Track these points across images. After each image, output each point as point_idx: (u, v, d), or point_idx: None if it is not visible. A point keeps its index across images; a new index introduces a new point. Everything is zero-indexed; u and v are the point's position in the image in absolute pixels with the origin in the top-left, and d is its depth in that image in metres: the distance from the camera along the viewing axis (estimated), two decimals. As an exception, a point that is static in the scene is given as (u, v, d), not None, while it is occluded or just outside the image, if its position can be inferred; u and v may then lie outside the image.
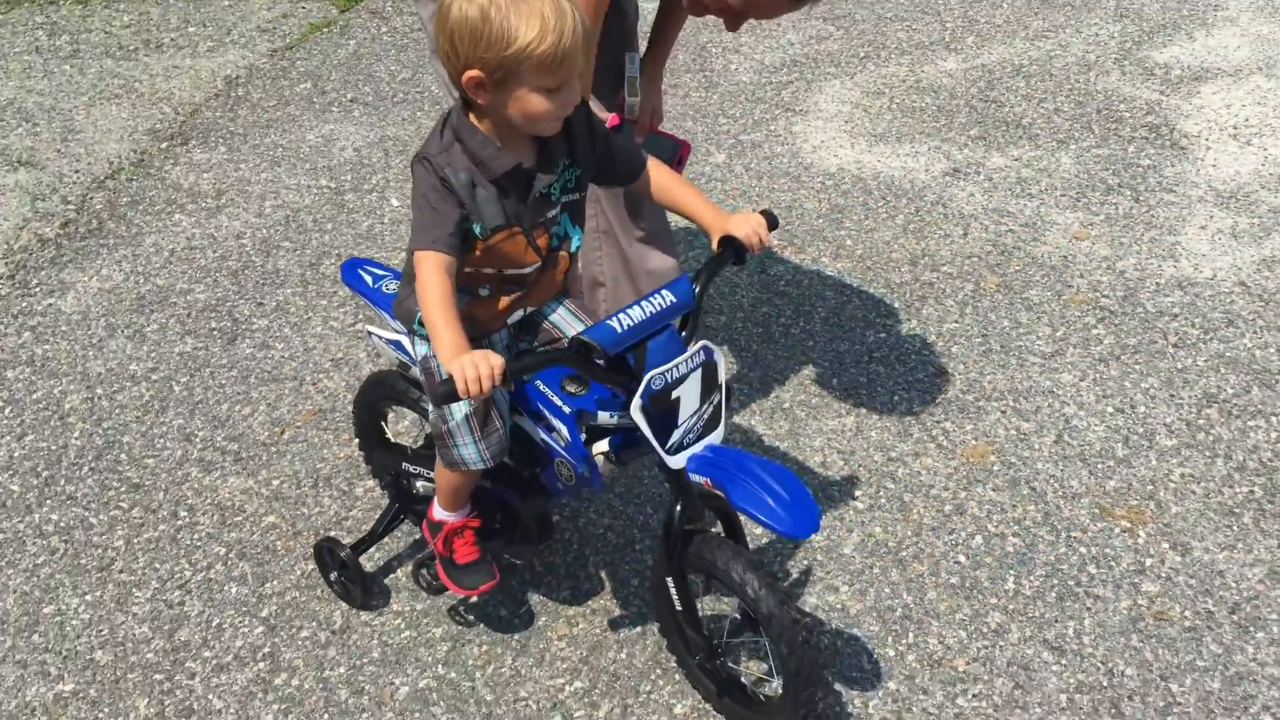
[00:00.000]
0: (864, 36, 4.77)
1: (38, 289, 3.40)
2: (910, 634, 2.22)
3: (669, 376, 1.81)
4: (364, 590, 2.31)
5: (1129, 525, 2.43)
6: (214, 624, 2.30)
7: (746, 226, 1.91)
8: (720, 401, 1.90)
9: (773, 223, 1.95)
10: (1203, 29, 4.64)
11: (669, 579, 1.99)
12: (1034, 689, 2.10)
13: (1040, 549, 2.39)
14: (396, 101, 4.47)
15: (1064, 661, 2.15)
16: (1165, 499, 2.49)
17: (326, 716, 2.11)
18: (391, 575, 2.41)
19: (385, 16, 5.28)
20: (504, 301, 1.97)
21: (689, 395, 1.84)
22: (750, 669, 2.10)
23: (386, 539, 2.43)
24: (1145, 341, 2.96)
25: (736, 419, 2.78)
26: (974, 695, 2.10)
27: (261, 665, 2.21)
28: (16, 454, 2.77)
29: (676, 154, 2.60)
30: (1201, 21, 4.71)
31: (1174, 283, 3.18)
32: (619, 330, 1.79)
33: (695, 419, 1.85)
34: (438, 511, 2.15)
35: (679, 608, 2.01)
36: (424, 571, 2.26)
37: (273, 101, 4.52)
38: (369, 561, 2.41)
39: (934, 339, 3.02)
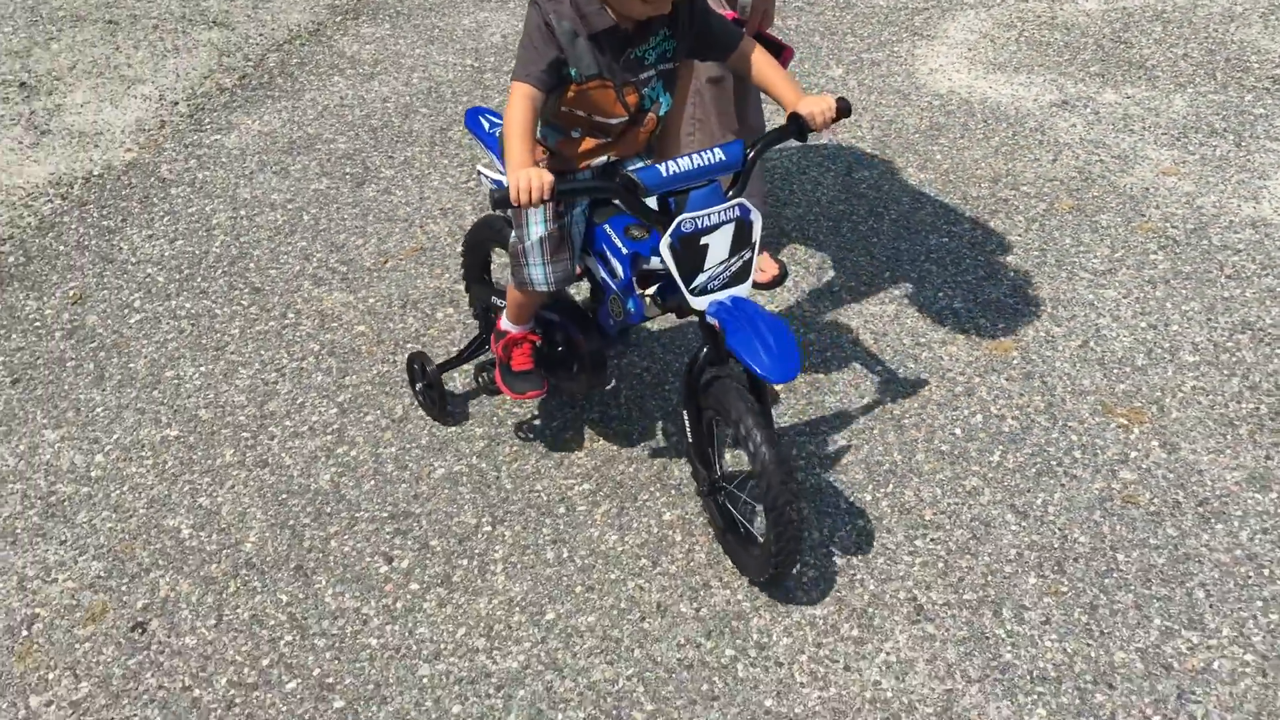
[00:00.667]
0: (1013, -27, 4.83)
1: (209, 126, 3.87)
2: (890, 485, 2.44)
3: (700, 223, 2.00)
4: (441, 403, 2.62)
5: (1125, 423, 2.57)
6: (298, 401, 2.70)
7: (814, 106, 2.08)
8: (751, 258, 2.07)
9: (844, 109, 2.09)
10: (1367, -10, 4.52)
11: (684, 411, 2.24)
12: (989, 542, 2.30)
13: (1034, 432, 2.56)
14: (550, -3, 4.80)
15: (1024, 524, 2.34)
16: (1169, 404, 2.61)
17: (372, 483, 2.48)
18: (471, 400, 2.76)
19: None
20: (589, 143, 2.19)
21: (718, 245, 2.02)
22: (745, 515, 2.33)
23: (468, 365, 2.77)
24: (1200, 270, 3.05)
25: (786, 294, 3.01)
26: (932, 539, 2.31)
27: (329, 437, 2.60)
28: (167, 253, 3.23)
29: (781, 56, 2.79)
30: (1368, -17, 4.58)
31: (1247, 221, 3.23)
32: (664, 174, 1.99)
33: (723, 268, 2.04)
34: (504, 323, 2.44)
35: (690, 439, 2.26)
36: (484, 374, 2.58)
37: (441, -11, 4.92)
38: (450, 380, 2.76)
39: (993, 249, 3.17)
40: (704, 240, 2.01)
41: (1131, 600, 2.18)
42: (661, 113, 2.23)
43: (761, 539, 2.18)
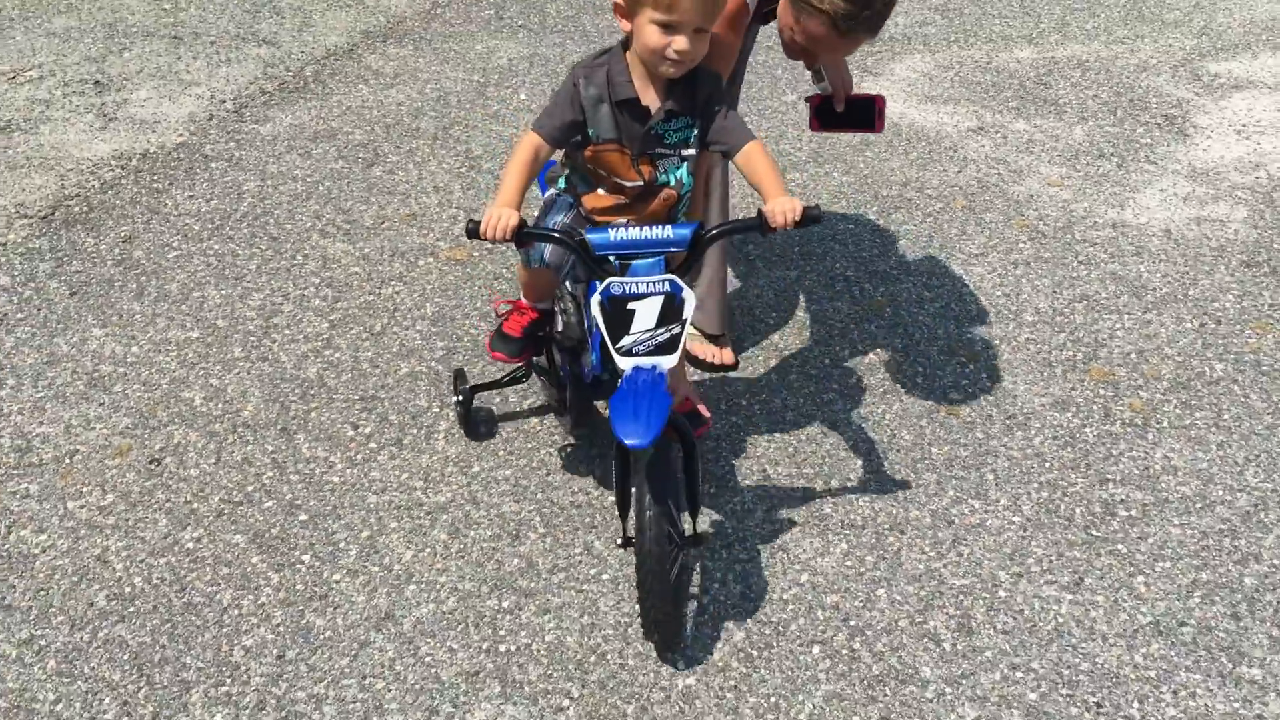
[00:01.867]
0: (963, 27, 5.46)
1: (248, 118, 4.56)
2: (763, 395, 3.01)
3: (627, 289, 2.13)
4: (468, 420, 2.83)
5: (964, 360, 3.14)
6: (296, 318, 3.32)
7: (781, 206, 2.15)
8: (680, 334, 2.13)
9: (811, 217, 2.15)
10: (1270, 50, 5.11)
11: (613, 463, 2.28)
12: (833, 434, 2.87)
13: (889, 365, 3.13)
14: (553, 31, 5.49)
15: (863, 426, 2.90)
16: (1003, 350, 3.18)
17: (349, 375, 3.08)
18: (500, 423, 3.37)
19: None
20: (608, 200, 2.37)
21: (645, 313, 2.13)
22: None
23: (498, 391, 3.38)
24: (1057, 256, 3.62)
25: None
26: (788, 430, 2.88)
27: (319, 343, 3.20)
28: (203, 209, 3.90)
29: (875, 106, 2.85)
30: (1273, 44, 5.17)
31: (1109, 223, 3.80)
32: (611, 238, 2.16)
33: (648, 336, 2.12)
34: (524, 297, 2.63)
35: (616, 490, 2.30)
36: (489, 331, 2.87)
37: (460, 20, 5.62)
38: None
39: (890, 234, 3.76)
40: (631, 305, 2.13)
41: (934, 478, 2.74)
42: (683, 191, 2.38)
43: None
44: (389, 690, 2.22)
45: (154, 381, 3.07)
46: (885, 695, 2.22)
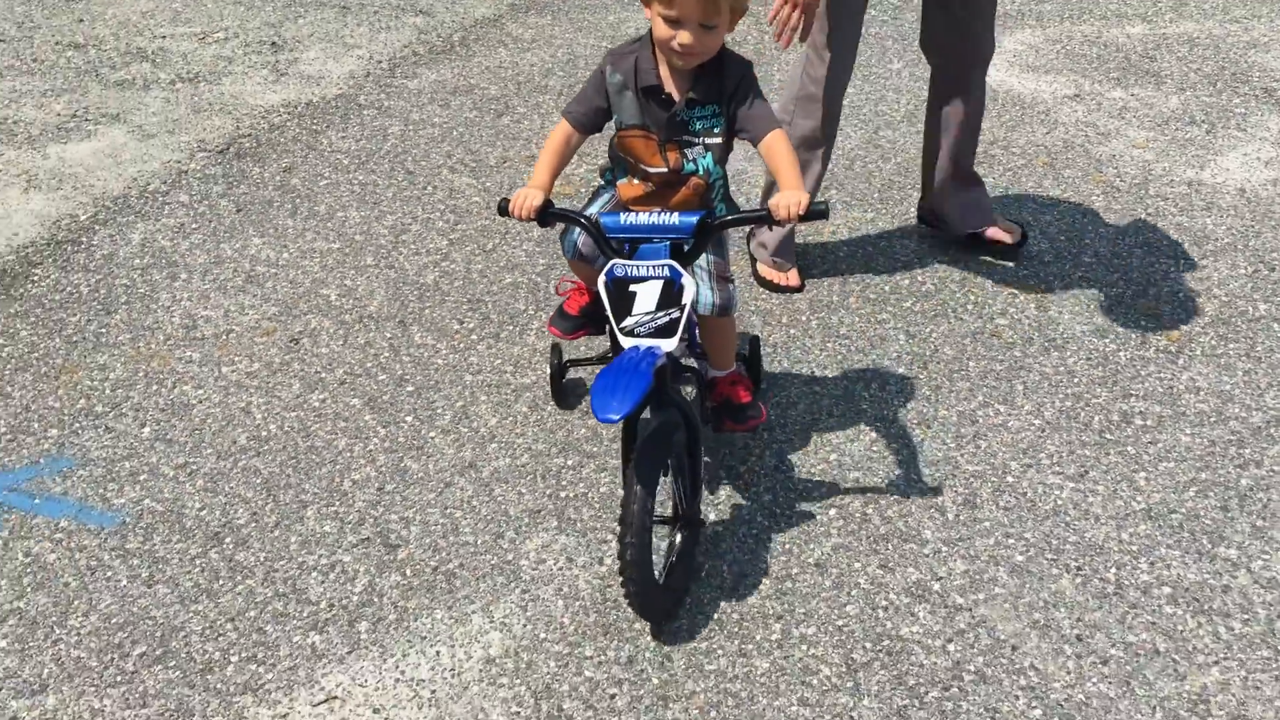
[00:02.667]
0: (1079, 4, 5.62)
1: (399, 74, 5.09)
2: (824, 313, 3.34)
3: (629, 271, 2.21)
4: (558, 390, 2.98)
5: (1015, 292, 3.39)
6: (422, 236, 3.79)
7: (786, 200, 2.19)
8: (679, 319, 2.19)
9: (816, 212, 2.21)
10: (1391, 30, 5.13)
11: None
12: (880, 349, 3.17)
13: (943, 292, 3.40)
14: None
15: (910, 342, 3.20)
16: (1056, 285, 3.42)
17: (461, 282, 3.52)
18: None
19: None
20: (639, 188, 2.42)
21: (645, 296, 2.20)
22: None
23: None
24: (1127, 207, 3.82)
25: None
26: (842, 343, 3.20)
27: (438, 256, 3.67)
28: (352, 148, 4.41)
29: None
30: (1397, 25, 5.18)
31: (1185, 181, 3.97)
32: (621, 221, 2.26)
33: (649, 318, 2.19)
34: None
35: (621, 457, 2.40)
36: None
37: (599, -4, 6.09)
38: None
39: (971, 186, 4.02)
40: (633, 288, 2.21)
41: (967, 386, 3.02)
42: (713, 179, 2.42)
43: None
44: (465, 519, 2.65)
45: (298, 280, 3.58)
46: (887, 549, 2.53)
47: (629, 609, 2.35)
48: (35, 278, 3.65)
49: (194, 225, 3.92)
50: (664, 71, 2.32)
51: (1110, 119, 4.45)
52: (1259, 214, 3.77)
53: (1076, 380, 3.03)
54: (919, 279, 3.49)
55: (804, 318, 3.33)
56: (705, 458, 2.65)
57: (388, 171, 4.23)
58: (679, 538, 2.43)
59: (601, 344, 3.01)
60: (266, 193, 4.11)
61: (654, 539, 2.28)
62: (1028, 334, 3.22)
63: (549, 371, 3.02)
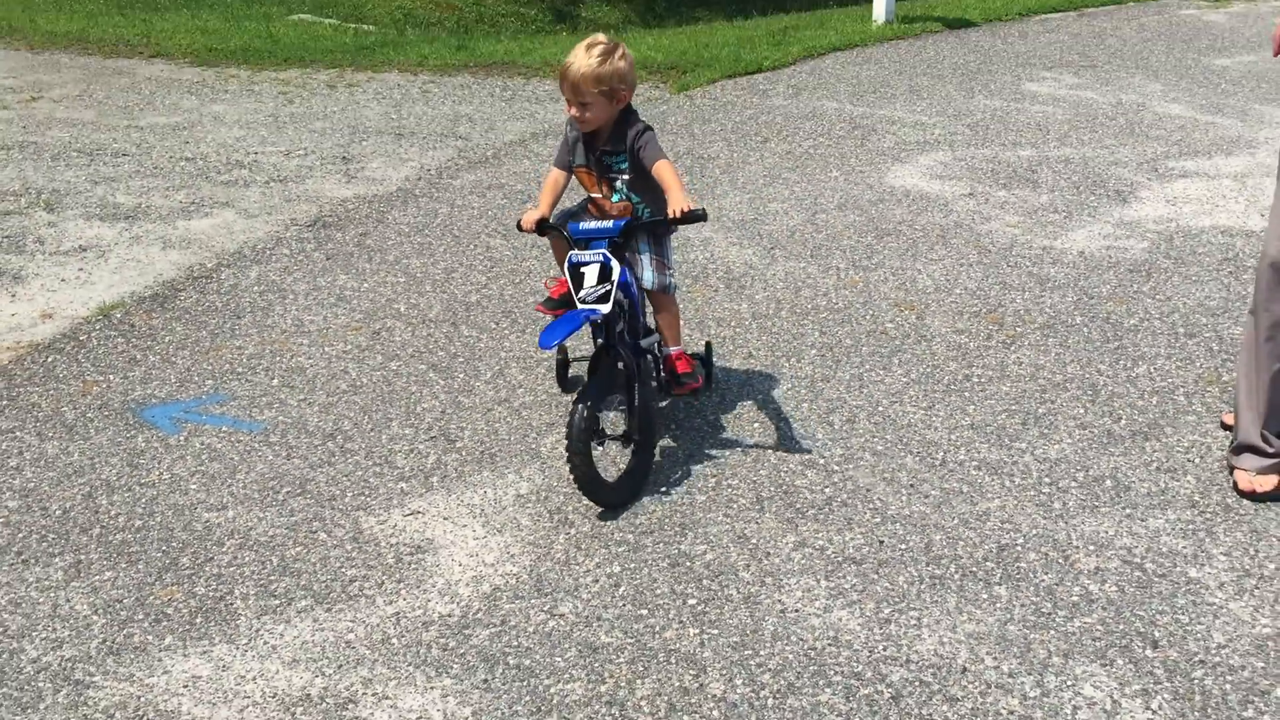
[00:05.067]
0: (984, 136, 7.05)
1: (445, 176, 6.48)
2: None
3: (577, 259, 3.36)
4: (563, 376, 4.05)
5: (904, 309, 4.65)
6: (465, 274, 5.08)
7: (674, 204, 3.35)
8: (610, 292, 3.29)
9: (694, 215, 3.33)
10: (1224, 155, 6.53)
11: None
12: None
13: (851, 318, 4.66)
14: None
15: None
16: (929, 305, 4.68)
17: (499, 303, 4.79)
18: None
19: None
20: (597, 213, 3.64)
21: (590, 275, 3.34)
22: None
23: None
24: (993, 261, 5.11)
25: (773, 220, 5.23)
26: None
27: (478, 286, 4.95)
28: (412, 221, 5.75)
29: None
30: (1229, 152, 6.59)
31: (1041, 246, 5.28)
32: (579, 227, 3.44)
33: (594, 290, 3.31)
34: None
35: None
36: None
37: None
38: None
39: (876, 249, 5.31)
40: (582, 270, 3.35)
41: (859, 360, 4.25)
42: (635, 203, 3.59)
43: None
44: (502, 427, 3.86)
45: (376, 300, 4.86)
46: (790, 444, 3.72)
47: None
48: (180, 298, 4.93)
49: (295, 267, 5.22)
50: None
51: (993, 209, 5.79)
52: (1090, 266, 5.06)
53: (936, 358, 4.26)
54: (832, 301, 4.76)
55: (747, 322, 4.59)
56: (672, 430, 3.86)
57: (439, 235, 5.56)
58: (631, 454, 3.52)
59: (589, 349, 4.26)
60: (348, 248, 5.43)
61: (612, 458, 3.52)
62: (906, 332, 4.47)
63: (556, 363, 4.23)
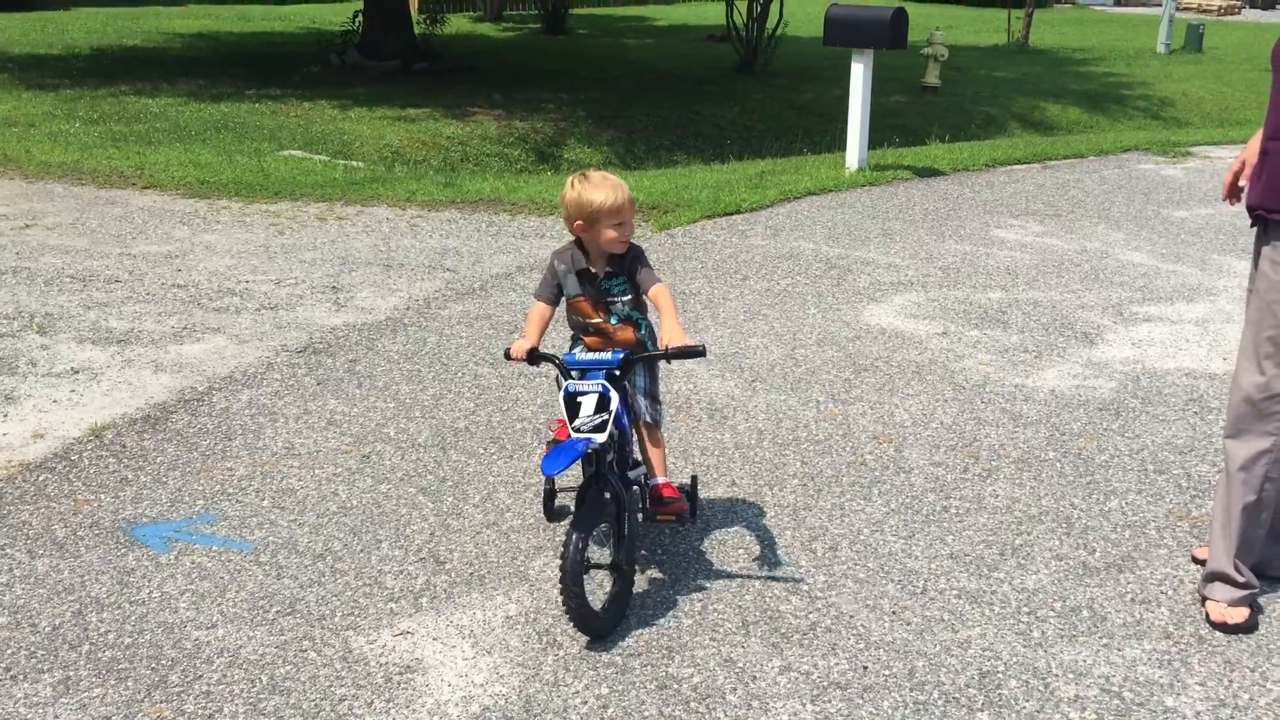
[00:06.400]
0: (955, 279, 7.30)
1: (433, 307, 6.63)
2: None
3: (575, 389, 3.42)
4: (549, 506, 4.06)
5: (883, 442, 4.77)
6: (453, 400, 5.18)
7: (667, 337, 3.46)
8: (607, 421, 3.36)
9: (688, 352, 3.41)
10: (1186, 301, 6.80)
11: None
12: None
13: (831, 444, 4.78)
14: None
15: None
16: (908, 440, 4.81)
17: (484, 430, 4.89)
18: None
19: (678, 241, 8.46)
20: (597, 341, 3.69)
21: (587, 404, 3.40)
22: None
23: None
24: (967, 397, 5.27)
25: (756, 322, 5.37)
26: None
27: (466, 412, 5.05)
28: (401, 350, 5.88)
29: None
30: (1190, 299, 6.86)
31: (1013, 384, 5.45)
32: (575, 357, 3.56)
33: (589, 419, 3.37)
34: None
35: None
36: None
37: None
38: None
39: (854, 384, 5.47)
40: (579, 399, 3.41)
41: (839, 490, 4.35)
42: (637, 322, 3.71)
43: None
44: (491, 550, 3.92)
45: (366, 424, 4.95)
46: (774, 570, 3.79)
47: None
48: (171, 420, 5.00)
49: (286, 392, 5.31)
50: (590, 259, 3.69)
51: (966, 347, 5.98)
52: (1061, 404, 5.23)
53: (914, 489, 4.38)
54: (813, 432, 4.88)
55: (730, 452, 4.70)
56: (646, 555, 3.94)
57: (428, 364, 5.68)
58: (613, 581, 3.55)
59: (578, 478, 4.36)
60: (338, 374, 5.53)
61: (598, 583, 3.56)
62: (885, 464, 4.59)
63: (544, 492, 4.26)
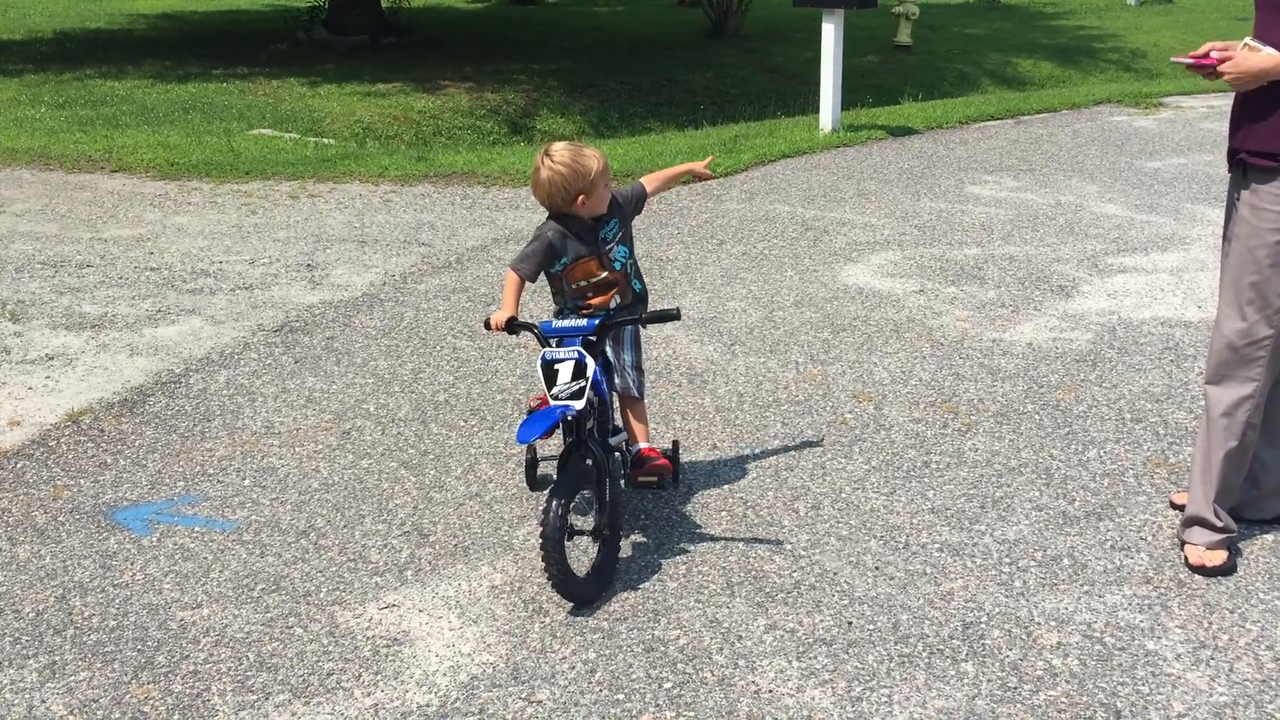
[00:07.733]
0: (931, 237, 7.31)
1: (410, 281, 6.60)
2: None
3: (551, 357, 3.44)
4: (531, 476, 4.09)
5: (862, 400, 4.79)
6: (432, 374, 5.17)
7: (682, 167, 4.06)
8: (584, 387, 3.39)
9: (666, 315, 3.47)
10: (1160, 251, 6.82)
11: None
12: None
13: (809, 403, 4.79)
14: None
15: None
16: (886, 396, 4.82)
17: (466, 400, 4.88)
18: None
19: (653, 208, 8.43)
20: (601, 300, 3.70)
21: (564, 371, 3.42)
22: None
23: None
24: (945, 353, 5.29)
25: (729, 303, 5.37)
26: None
27: (445, 385, 5.05)
28: (378, 325, 5.85)
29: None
30: (1164, 248, 6.88)
31: (990, 339, 5.47)
32: (553, 326, 3.55)
33: (566, 387, 3.40)
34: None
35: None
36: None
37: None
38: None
39: (833, 344, 5.48)
40: (556, 366, 3.43)
41: (820, 449, 4.37)
42: (626, 264, 3.74)
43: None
44: (474, 520, 3.92)
45: (345, 401, 4.93)
46: (757, 530, 3.81)
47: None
48: (149, 403, 4.98)
49: (264, 371, 5.29)
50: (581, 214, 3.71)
51: (943, 304, 6.00)
52: (1038, 357, 5.25)
53: (895, 446, 4.39)
54: (793, 394, 4.90)
55: (710, 416, 4.71)
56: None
57: (406, 338, 5.66)
58: (597, 547, 3.55)
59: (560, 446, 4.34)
60: (315, 352, 5.51)
61: (583, 549, 3.59)
62: (865, 422, 4.61)
63: (525, 462, 4.27)
